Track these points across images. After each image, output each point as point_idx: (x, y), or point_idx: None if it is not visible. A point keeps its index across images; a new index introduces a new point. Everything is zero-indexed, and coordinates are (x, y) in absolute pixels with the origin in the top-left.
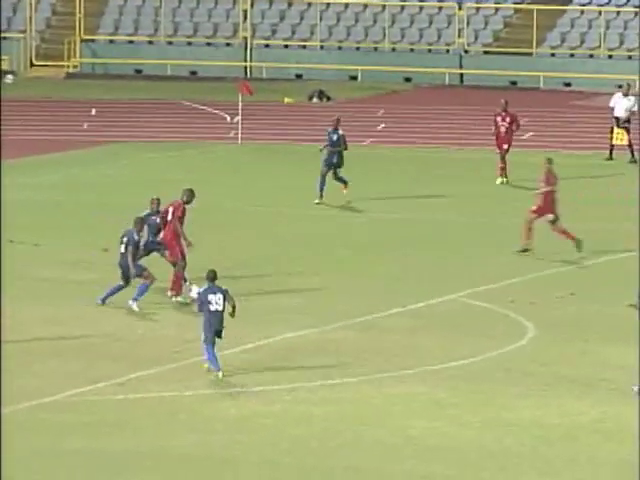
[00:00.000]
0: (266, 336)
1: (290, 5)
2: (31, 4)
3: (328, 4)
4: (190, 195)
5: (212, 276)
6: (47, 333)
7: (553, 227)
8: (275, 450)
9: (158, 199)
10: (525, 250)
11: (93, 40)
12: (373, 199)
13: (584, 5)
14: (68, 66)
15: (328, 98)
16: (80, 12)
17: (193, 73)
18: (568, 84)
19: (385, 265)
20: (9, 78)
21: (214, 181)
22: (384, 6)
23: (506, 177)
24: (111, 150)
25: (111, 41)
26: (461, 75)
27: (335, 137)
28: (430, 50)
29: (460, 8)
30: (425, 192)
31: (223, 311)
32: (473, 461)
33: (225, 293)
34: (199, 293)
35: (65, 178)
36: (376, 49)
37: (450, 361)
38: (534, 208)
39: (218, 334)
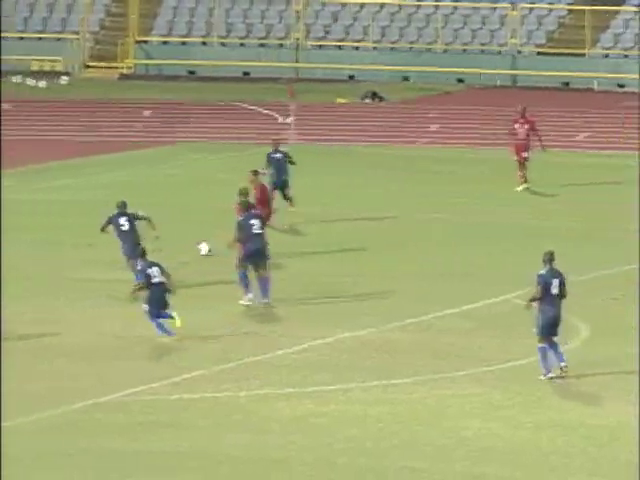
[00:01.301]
0: (322, 336)
1: (344, 6)
2: (85, 5)
3: (381, 5)
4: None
5: (142, 252)
6: (103, 332)
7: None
8: (329, 450)
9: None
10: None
11: (146, 41)
12: (420, 199)
13: (638, 6)
14: (122, 67)
15: (381, 99)
16: (134, 13)
17: (246, 74)
18: (622, 85)
19: (438, 266)
20: (64, 79)
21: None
22: (437, 7)
23: (527, 182)
24: (167, 151)
25: (164, 42)
26: (514, 76)
27: (279, 156)
28: (483, 51)
29: (514, 9)
30: (473, 192)
31: (163, 283)
32: (525, 462)
33: (160, 266)
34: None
35: (119, 179)
36: (429, 50)
37: (504, 362)
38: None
39: (163, 306)
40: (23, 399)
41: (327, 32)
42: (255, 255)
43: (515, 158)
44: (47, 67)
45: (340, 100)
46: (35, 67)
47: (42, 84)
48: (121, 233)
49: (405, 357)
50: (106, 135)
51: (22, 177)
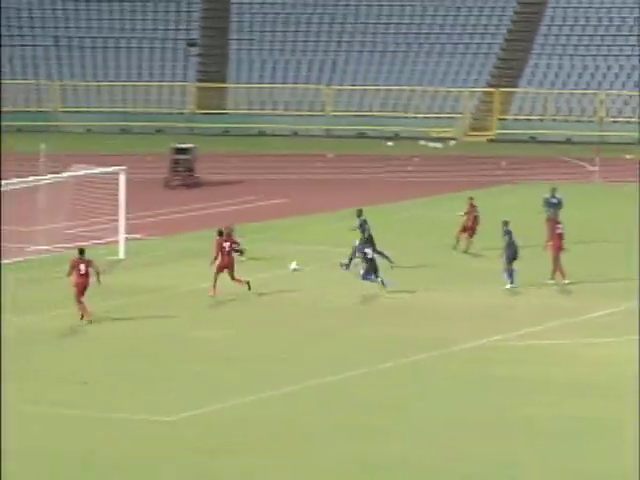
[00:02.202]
0: None
1: None
2: (467, 97)
3: None
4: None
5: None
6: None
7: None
8: None
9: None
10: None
11: (505, 118)
12: None
13: None
14: (490, 135)
15: None
16: (497, 101)
17: None
18: None
19: None
20: (452, 142)
21: None
22: None
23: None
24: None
25: (516, 119)
26: None
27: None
28: None
29: None
30: None
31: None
32: None
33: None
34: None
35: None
36: None
37: None
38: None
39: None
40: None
41: None
42: None
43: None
44: (442, 135)
45: None
46: (434, 134)
47: (438, 145)
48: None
49: None
50: (471, 175)
51: (428, 204)
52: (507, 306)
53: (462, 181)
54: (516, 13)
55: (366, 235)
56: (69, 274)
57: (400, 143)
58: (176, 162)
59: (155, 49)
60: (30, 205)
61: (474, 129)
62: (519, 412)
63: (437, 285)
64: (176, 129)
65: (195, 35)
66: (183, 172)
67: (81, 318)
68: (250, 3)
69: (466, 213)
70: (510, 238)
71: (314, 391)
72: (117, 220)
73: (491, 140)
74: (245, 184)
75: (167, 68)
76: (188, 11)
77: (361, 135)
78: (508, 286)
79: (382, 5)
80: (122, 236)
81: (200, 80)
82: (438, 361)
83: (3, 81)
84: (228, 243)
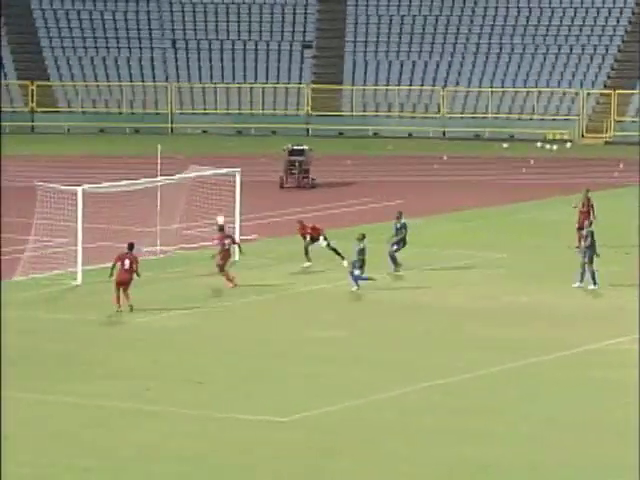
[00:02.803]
0: None
1: None
2: (583, 99)
3: None
4: None
5: None
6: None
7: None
8: None
9: None
10: None
11: (622, 120)
12: None
13: None
14: (606, 137)
15: None
16: (614, 102)
17: None
18: None
19: None
20: (568, 144)
21: None
22: None
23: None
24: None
25: (633, 121)
26: None
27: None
28: None
29: None
30: None
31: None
32: None
33: None
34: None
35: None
36: None
37: None
38: None
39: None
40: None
41: None
42: None
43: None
44: (558, 136)
45: None
46: (549, 136)
47: (554, 147)
48: None
49: None
50: (587, 178)
51: (543, 206)
52: (615, 308)
53: (577, 183)
54: (634, 14)
55: (400, 237)
56: (113, 266)
57: (515, 145)
58: (291, 164)
59: (271, 51)
60: (147, 206)
61: (590, 131)
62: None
63: (551, 285)
64: (291, 130)
65: (311, 37)
66: (298, 174)
67: (117, 309)
68: (366, 5)
69: (582, 206)
70: (592, 238)
71: (424, 393)
72: (232, 222)
73: (607, 142)
74: (359, 186)
75: (283, 70)
76: (304, 13)
77: (476, 137)
78: (591, 287)
79: (498, 7)
80: (237, 237)
81: (315, 82)
82: (554, 363)
83: (125, 83)
84: (229, 240)
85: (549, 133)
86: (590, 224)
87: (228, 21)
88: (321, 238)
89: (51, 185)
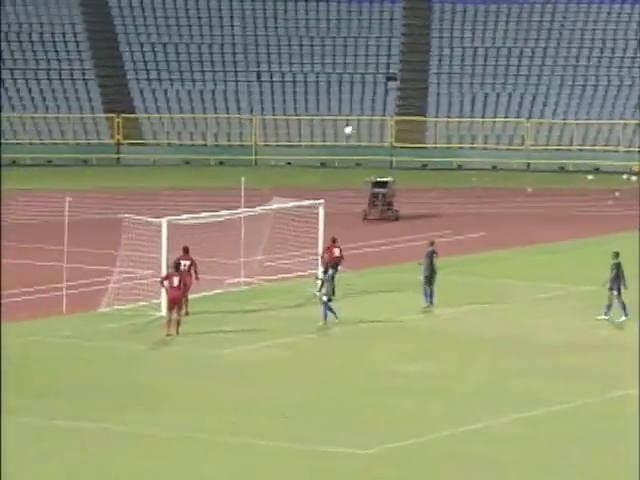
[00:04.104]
0: None
1: None
2: None
3: None
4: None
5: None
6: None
7: None
8: None
9: None
10: None
11: None
12: None
13: None
14: None
15: None
16: None
17: None
18: None
19: None
20: None
21: None
22: None
23: None
24: None
25: None
26: None
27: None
28: None
29: None
30: None
31: None
32: None
33: None
34: None
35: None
36: None
37: None
38: None
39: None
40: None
41: None
42: None
43: None
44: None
45: None
46: (635, 169)
47: (634, 179)
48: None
49: None
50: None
51: (631, 238)
52: None
53: None
54: None
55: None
56: (161, 283)
57: (600, 177)
58: (375, 195)
59: (355, 83)
60: (232, 237)
61: None
62: None
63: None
64: (375, 162)
65: (395, 69)
66: (381, 205)
67: (167, 334)
68: (450, 37)
69: None
70: (619, 269)
71: (511, 426)
72: (315, 254)
73: None
74: (443, 218)
75: (367, 102)
76: (388, 45)
77: (561, 169)
78: (623, 318)
79: (583, 38)
80: (320, 269)
81: (399, 114)
82: None
83: (210, 116)
84: (188, 262)
85: (635, 165)
86: (616, 255)
87: (312, 54)
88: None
89: (137, 217)
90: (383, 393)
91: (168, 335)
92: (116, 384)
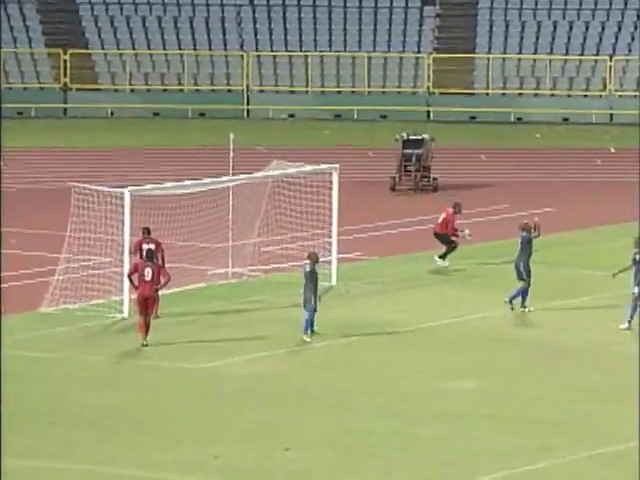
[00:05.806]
0: None
1: None
2: None
3: None
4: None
5: None
6: None
7: None
8: None
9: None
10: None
11: None
12: None
13: None
14: None
15: None
16: None
17: None
18: None
19: None
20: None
21: None
22: None
23: None
24: None
25: None
26: None
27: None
28: None
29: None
30: None
31: None
32: None
33: None
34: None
35: None
36: None
37: None
38: None
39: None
40: None
41: None
42: None
43: None
44: None
45: None
46: None
47: None
48: None
49: None
50: None
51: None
52: None
53: None
54: None
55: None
56: (129, 278)
57: None
58: (406, 159)
59: (380, 9)
60: (216, 214)
61: None
62: None
63: None
64: (406, 114)
65: None
66: (415, 172)
67: (143, 343)
68: None
69: None
70: None
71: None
72: (327, 235)
73: None
74: (496, 188)
75: (396, 34)
76: None
77: None
78: None
79: None
80: (334, 256)
81: (439, 50)
82: None
83: (188, 51)
84: (151, 245)
85: None
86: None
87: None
88: None
89: (89, 186)
90: (420, 419)
91: (144, 345)
92: (63, 407)
